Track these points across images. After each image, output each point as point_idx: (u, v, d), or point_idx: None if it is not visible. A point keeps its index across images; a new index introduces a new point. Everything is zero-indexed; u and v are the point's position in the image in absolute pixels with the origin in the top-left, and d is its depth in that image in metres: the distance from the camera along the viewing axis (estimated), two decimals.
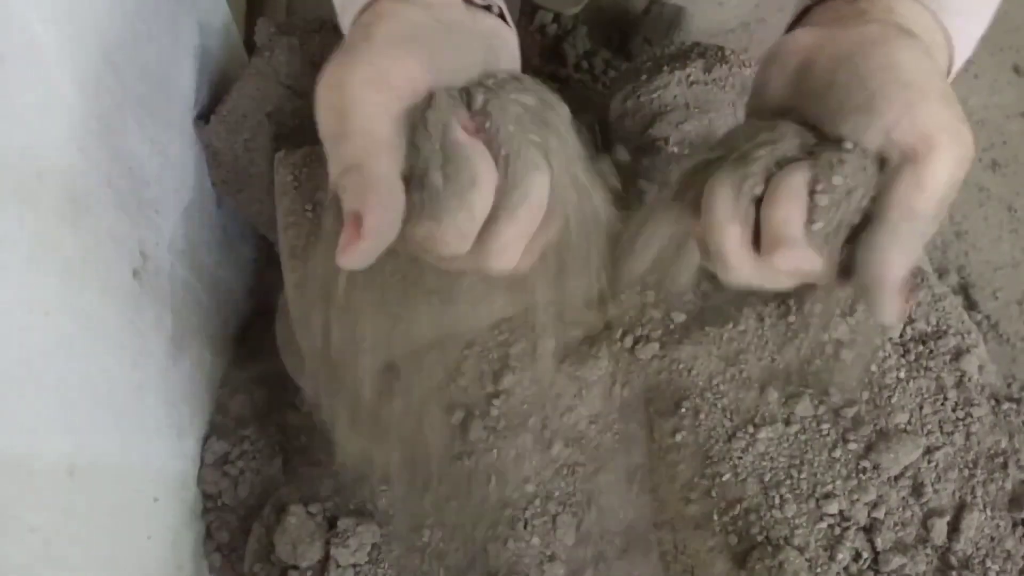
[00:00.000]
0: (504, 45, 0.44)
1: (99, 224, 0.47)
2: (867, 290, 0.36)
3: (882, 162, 0.36)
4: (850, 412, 0.53)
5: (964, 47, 0.42)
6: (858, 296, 0.40)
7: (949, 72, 0.42)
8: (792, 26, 0.44)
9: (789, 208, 0.36)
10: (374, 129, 0.35)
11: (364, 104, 0.35)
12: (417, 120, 0.36)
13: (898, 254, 0.35)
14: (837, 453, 0.52)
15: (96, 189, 0.47)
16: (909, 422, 0.53)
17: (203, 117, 0.62)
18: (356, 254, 0.35)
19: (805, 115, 0.38)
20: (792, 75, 0.39)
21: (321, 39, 0.64)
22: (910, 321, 0.55)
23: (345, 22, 0.43)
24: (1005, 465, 0.52)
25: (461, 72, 0.39)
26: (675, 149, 0.63)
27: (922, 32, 0.38)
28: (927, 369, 0.54)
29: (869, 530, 0.50)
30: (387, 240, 0.36)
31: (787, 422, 0.53)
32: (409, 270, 0.46)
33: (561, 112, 0.40)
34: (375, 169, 0.35)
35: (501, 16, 0.44)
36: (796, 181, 0.36)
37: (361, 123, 0.35)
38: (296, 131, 0.63)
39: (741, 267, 0.38)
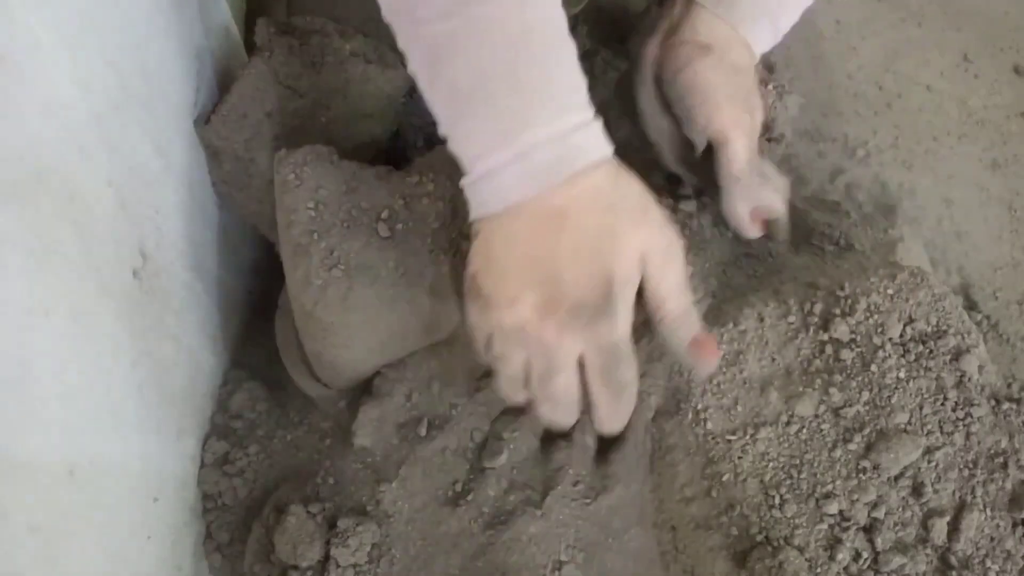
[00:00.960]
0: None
1: (99, 224, 0.47)
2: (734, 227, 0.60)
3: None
4: (850, 412, 0.53)
5: (769, 38, 0.59)
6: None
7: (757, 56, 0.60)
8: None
9: None
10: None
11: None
12: None
13: (739, 199, 0.57)
14: (837, 453, 0.52)
15: (96, 189, 0.47)
16: (909, 422, 0.53)
17: (203, 117, 0.62)
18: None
19: (672, 109, 0.58)
20: (646, 83, 0.57)
21: (321, 39, 0.64)
22: (910, 321, 0.55)
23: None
24: (1005, 465, 0.52)
25: None
26: None
27: (717, 42, 0.55)
28: (927, 369, 0.54)
29: (869, 530, 0.50)
30: None
31: (787, 422, 0.53)
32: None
33: None
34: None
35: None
36: None
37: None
38: (296, 131, 0.63)
39: None
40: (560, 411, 0.46)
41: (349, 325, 0.54)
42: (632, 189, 0.44)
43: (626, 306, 0.44)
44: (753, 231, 0.60)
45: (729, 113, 0.55)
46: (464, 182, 0.45)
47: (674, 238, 0.45)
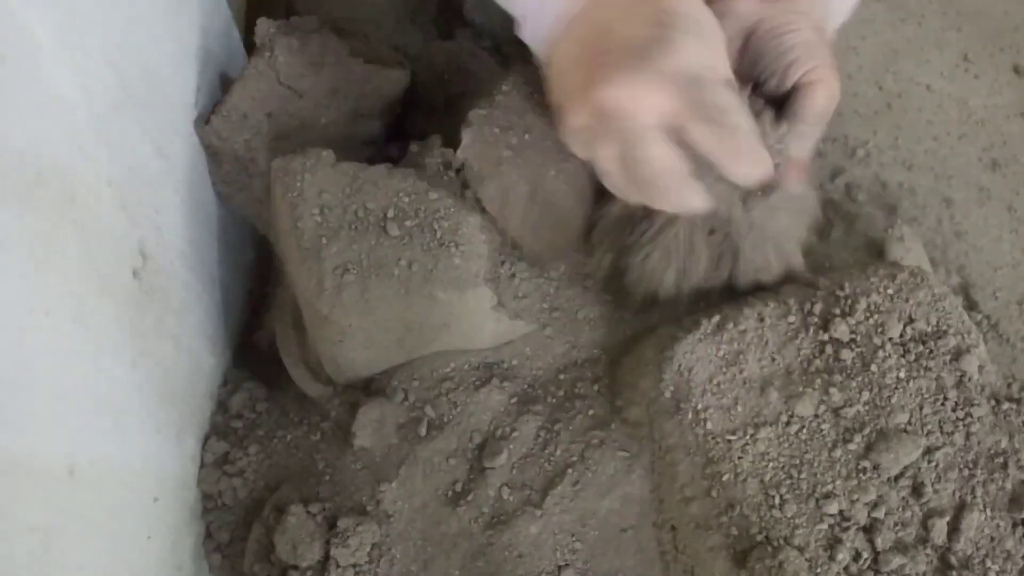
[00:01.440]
0: None
1: (99, 224, 0.47)
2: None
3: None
4: (850, 412, 0.53)
5: (840, 12, 0.60)
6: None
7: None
8: None
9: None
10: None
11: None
12: None
13: (807, 140, 0.54)
14: (837, 453, 0.52)
15: (96, 189, 0.47)
16: (909, 422, 0.52)
17: (203, 117, 0.62)
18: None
19: (749, 70, 0.54)
20: (735, 37, 0.53)
21: (321, 39, 0.64)
22: (910, 321, 0.55)
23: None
24: (1005, 465, 0.52)
25: None
26: None
27: (812, 9, 0.55)
28: (927, 369, 0.54)
29: (869, 530, 0.50)
30: None
31: (787, 422, 0.53)
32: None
33: None
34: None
35: None
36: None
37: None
38: (296, 131, 0.63)
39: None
40: (669, 186, 0.47)
41: (367, 326, 0.54)
42: None
43: (686, 32, 0.44)
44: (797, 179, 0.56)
45: (829, 63, 0.54)
46: (523, 35, 0.49)
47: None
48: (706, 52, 0.46)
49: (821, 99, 0.53)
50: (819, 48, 0.54)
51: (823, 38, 0.55)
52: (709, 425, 0.54)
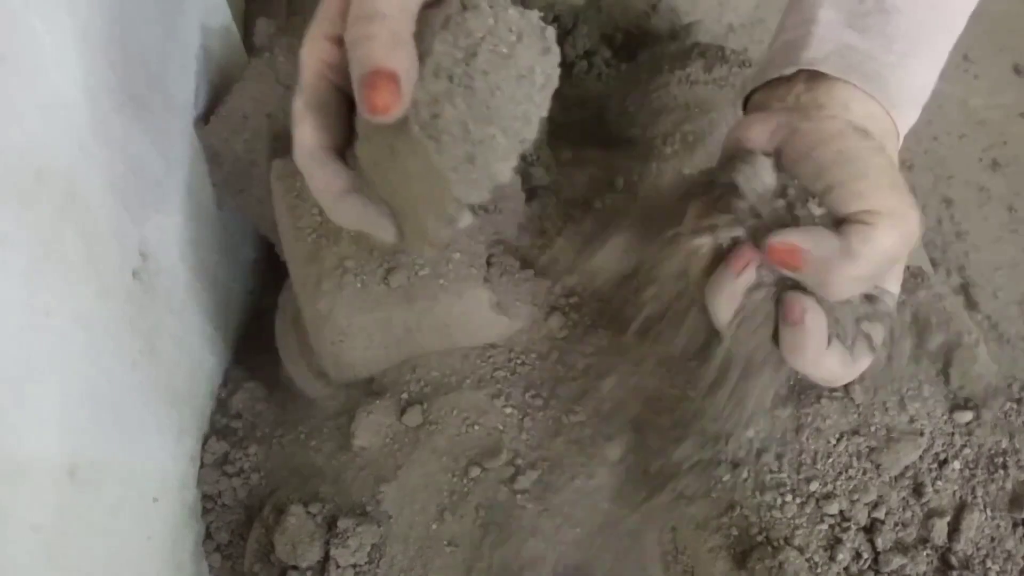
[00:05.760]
0: None
1: (99, 224, 0.47)
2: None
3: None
4: (851, 412, 0.53)
5: (907, 127, 0.47)
6: None
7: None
8: (748, 98, 0.48)
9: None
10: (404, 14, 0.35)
11: None
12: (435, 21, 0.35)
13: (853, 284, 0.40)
14: (837, 453, 0.52)
15: (96, 189, 0.47)
16: (909, 422, 0.53)
17: (203, 117, 0.62)
18: (391, 95, 0.33)
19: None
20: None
21: None
22: (911, 321, 0.55)
23: None
24: (1005, 465, 0.52)
25: None
26: (674, 148, 0.63)
27: (874, 128, 0.42)
28: (927, 369, 0.54)
29: (869, 530, 0.50)
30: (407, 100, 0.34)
31: (787, 422, 0.53)
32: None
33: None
34: (404, 34, 0.35)
35: None
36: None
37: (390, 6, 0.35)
38: None
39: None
40: None
41: (367, 326, 0.54)
42: None
43: None
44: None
45: (891, 199, 0.39)
46: None
47: None
48: None
49: (877, 243, 0.38)
50: (866, 160, 0.40)
51: (870, 143, 0.40)
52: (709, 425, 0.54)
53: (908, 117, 0.46)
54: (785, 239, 0.39)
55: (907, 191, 0.40)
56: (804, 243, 0.39)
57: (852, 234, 0.39)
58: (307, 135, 0.38)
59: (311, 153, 0.38)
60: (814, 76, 0.44)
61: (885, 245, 0.39)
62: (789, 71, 0.45)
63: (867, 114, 0.43)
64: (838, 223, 0.39)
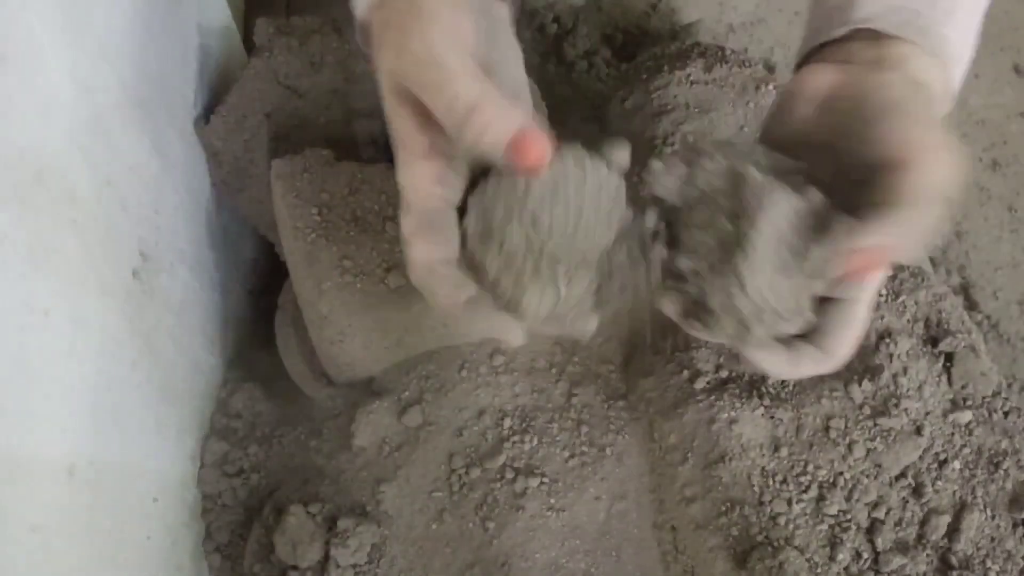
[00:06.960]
0: (500, 15, 0.45)
1: (99, 224, 0.47)
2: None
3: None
4: (851, 412, 0.53)
5: (958, 83, 0.48)
6: None
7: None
8: (805, 58, 0.48)
9: None
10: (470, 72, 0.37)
11: (453, 53, 0.37)
12: None
13: (907, 231, 0.40)
14: (837, 453, 0.52)
15: (96, 189, 0.47)
16: (909, 422, 0.53)
17: (203, 117, 0.62)
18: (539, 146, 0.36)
19: (830, 141, 0.42)
20: (817, 108, 0.43)
21: (321, 39, 0.64)
22: (911, 321, 0.55)
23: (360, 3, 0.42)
24: (1005, 465, 0.52)
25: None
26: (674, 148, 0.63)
27: (931, 83, 0.44)
28: (927, 369, 0.54)
29: (869, 530, 0.50)
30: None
31: (788, 422, 0.53)
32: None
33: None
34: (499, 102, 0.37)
35: None
36: None
37: (459, 65, 0.37)
38: (296, 131, 0.63)
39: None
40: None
41: (367, 326, 0.54)
42: None
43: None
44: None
45: (936, 137, 0.40)
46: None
47: None
48: None
49: (927, 176, 0.39)
50: (920, 108, 0.41)
51: (926, 96, 0.42)
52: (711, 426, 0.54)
53: (958, 71, 0.47)
54: (863, 242, 0.38)
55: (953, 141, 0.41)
56: (879, 240, 0.39)
57: (906, 183, 0.39)
58: (422, 252, 0.39)
59: (431, 269, 0.39)
60: (866, 35, 0.44)
61: (938, 179, 0.39)
62: (841, 31, 0.45)
63: (922, 67, 0.44)
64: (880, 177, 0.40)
